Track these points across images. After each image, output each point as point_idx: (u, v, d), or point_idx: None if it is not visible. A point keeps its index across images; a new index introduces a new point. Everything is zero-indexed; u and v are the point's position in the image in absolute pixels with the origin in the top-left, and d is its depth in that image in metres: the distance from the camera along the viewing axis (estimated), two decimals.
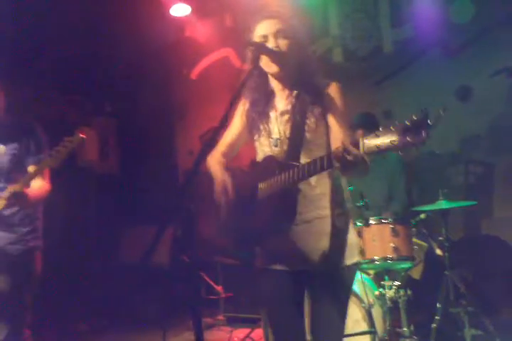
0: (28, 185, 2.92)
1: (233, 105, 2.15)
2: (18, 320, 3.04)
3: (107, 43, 5.72)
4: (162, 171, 6.49)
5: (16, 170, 3.04)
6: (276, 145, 2.37)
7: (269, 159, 2.35)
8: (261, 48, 2.30)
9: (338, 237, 2.33)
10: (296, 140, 2.33)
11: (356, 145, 1.93)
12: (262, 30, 2.36)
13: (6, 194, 2.89)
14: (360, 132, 4.24)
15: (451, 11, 4.93)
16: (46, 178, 3.14)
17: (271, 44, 2.32)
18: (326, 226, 2.32)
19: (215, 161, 2.48)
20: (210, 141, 2.04)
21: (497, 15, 4.75)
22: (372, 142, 1.89)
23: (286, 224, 2.24)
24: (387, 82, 5.29)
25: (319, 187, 2.33)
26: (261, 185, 2.28)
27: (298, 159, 2.29)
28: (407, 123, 1.82)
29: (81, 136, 2.92)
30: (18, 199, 2.89)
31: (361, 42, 5.54)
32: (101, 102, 6.80)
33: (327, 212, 2.34)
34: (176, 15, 6.01)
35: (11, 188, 2.88)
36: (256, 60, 2.30)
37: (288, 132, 2.35)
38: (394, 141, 1.83)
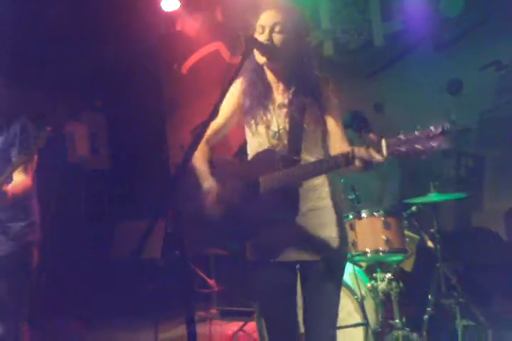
0: (5, 183, 2.92)
1: (223, 96, 2.13)
2: (15, 316, 3.04)
3: (97, 37, 5.69)
4: (153, 166, 6.47)
5: (1, 162, 3.03)
6: (274, 138, 2.36)
7: (269, 152, 2.34)
8: (251, 41, 2.30)
9: (334, 228, 2.36)
10: (296, 134, 2.34)
11: (379, 146, 1.96)
12: (263, 20, 2.36)
13: None
14: (374, 137, 4.25)
15: (442, 5, 4.93)
16: (29, 174, 3.12)
17: (264, 36, 2.32)
18: (321, 217, 2.35)
19: (197, 157, 2.41)
20: (201, 134, 2.02)
21: (487, 8, 4.76)
22: (397, 146, 1.93)
23: (285, 216, 2.25)
24: (378, 75, 5.29)
25: (318, 179, 2.35)
26: (262, 179, 2.27)
27: (299, 154, 2.32)
28: (432, 129, 1.89)
29: (48, 129, 2.93)
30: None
31: (352, 36, 5.53)
32: (90, 97, 6.75)
33: (325, 202, 2.37)
34: (166, 9, 5.98)
35: None
36: (247, 53, 2.29)
37: (287, 126, 2.36)
38: (420, 146, 1.89)
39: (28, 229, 3.13)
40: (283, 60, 2.37)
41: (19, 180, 3.06)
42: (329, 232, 2.34)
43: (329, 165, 2.11)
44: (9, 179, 2.98)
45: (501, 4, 4.67)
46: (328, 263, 2.32)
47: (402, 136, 1.92)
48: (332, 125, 2.37)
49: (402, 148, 1.92)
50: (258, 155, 2.39)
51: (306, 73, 2.40)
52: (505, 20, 4.65)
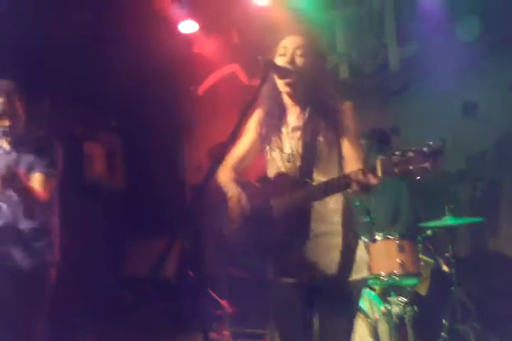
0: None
1: (244, 117, 2.17)
2: (31, 333, 3.05)
3: (115, 59, 5.78)
4: (169, 186, 6.51)
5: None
6: (288, 161, 2.39)
7: (281, 175, 2.38)
8: (270, 64, 2.33)
9: (348, 252, 2.36)
10: (308, 157, 2.36)
11: (374, 169, 1.98)
12: (285, 43, 2.41)
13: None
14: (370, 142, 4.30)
15: (458, 29, 4.97)
16: (46, 190, 3.13)
17: (286, 58, 2.36)
18: (335, 240, 2.35)
19: (225, 175, 2.50)
20: (221, 154, 2.06)
21: (504, 31, 4.78)
22: (390, 167, 1.95)
23: (298, 239, 2.27)
24: (393, 98, 5.32)
25: (332, 203, 2.37)
26: (274, 202, 2.30)
27: (311, 176, 2.34)
28: (425, 149, 1.89)
29: None
30: (10, 178, 2.93)
31: (367, 60, 5.58)
32: (108, 117, 6.84)
33: (337, 227, 2.37)
34: (183, 31, 6.08)
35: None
36: (266, 77, 2.33)
37: (300, 149, 2.38)
38: (412, 167, 1.90)
39: (47, 249, 3.16)
40: (301, 83, 2.39)
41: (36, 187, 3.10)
42: (333, 256, 2.34)
43: (329, 188, 2.14)
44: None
45: None
46: (331, 287, 2.32)
47: (396, 156, 1.93)
48: (347, 148, 2.38)
49: (396, 169, 1.93)
50: (273, 179, 2.43)
51: (322, 96, 2.42)
52: None
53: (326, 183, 2.16)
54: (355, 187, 2.04)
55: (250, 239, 2.35)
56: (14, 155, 3.16)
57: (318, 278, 2.33)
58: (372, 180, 1.99)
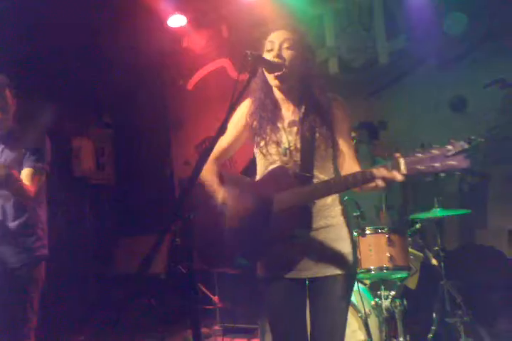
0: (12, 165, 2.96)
1: (231, 113, 2.15)
2: (24, 330, 3.04)
3: (104, 54, 5.75)
4: (158, 181, 6.50)
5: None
6: (285, 155, 2.38)
7: (280, 170, 2.35)
8: (258, 59, 2.32)
9: (345, 245, 2.37)
10: (307, 152, 2.35)
11: (397, 165, 1.98)
12: (272, 37, 2.40)
13: None
14: (398, 154, 4.30)
15: (445, 23, 4.98)
16: (34, 185, 3.11)
17: (273, 52, 2.35)
18: (333, 234, 2.36)
19: (208, 171, 2.45)
20: (209, 149, 2.04)
21: (490, 26, 4.80)
22: (415, 165, 1.93)
23: (297, 233, 2.27)
24: (382, 92, 5.33)
25: (330, 197, 2.36)
26: (279, 197, 2.26)
27: (311, 171, 2.34)
28: (449, 147, 1.88)
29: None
30: (5, 178, 2.89)
31: (356, 54, 5.58)
32: (97, 113, 6.81)
33: (337, 220, 2.38)
34: (172, 26, 6.05)
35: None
36: (255, 70, 2.31)
37: (298, 143, 2.37)
38: (439, 164, 1.88)
39: (37, 243, 3.14)
40: (291, 77, 2.38)
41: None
42: (342, 247, 2.35)
43: (346, 184, 2.12)
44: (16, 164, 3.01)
45: (506, 22, 4.72)
46: (339, 279, 2.32)
47: (419, 154, 1.92)
48: (342, 144, 2.39)
49: (421, 167, 1.92)
50: (270, 173, 2.39)
51: (315, 92, 2.42)
52: (509, 38, 4.69)
53: (345, 178, 2.14)
54: (381, 183, 2.03)
55: (247, 235, 2.33)
56: (2, 149, 3.14)
57: (316, 271, 2.32)
58: (398, 177, 1.98)
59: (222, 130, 2.07)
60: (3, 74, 3.18)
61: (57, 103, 6.06)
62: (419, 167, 1.92)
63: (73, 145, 6.37)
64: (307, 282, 2.39)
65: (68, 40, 5.57)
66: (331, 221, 2.36)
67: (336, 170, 2.40)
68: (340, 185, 2.14)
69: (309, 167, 2.34)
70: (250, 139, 2.51)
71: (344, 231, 2.38)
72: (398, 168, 1.97)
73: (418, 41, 5.10)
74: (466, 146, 1.86)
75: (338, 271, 2.31)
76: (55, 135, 3.03)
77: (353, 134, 4.37)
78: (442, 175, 1.86)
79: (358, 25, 5.60)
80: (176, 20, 6.01)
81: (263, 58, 2.33)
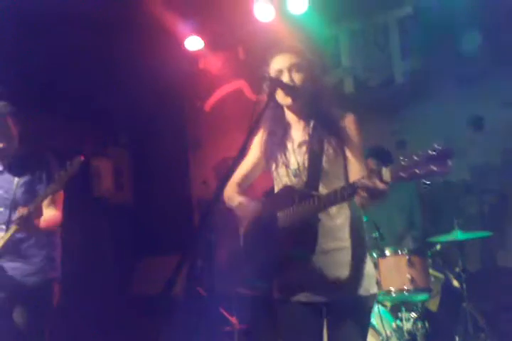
0: (35, 210, 2.96)
1: (251, 135, 2.19)
2: None
3: (123, 76, 5.83)
4: (176, 201, 6.51)
5: (29, 201, 3.06)
6: (295, 176, 2.40)
7: (287, 189, 2.38)
8: (276, 83, 2.37)
9: (358, 268, 2.35)
10: (314, 170, 2.37)
11: (379, 173, 1.98)
12: (278, 64, 2.44)
13: (15, 217, 2.94)
14: (373, 162, 4.28)
15: (462, 42, 4.99)
16: (59, 208, 3.17)
17: (285, 78, 2.39)
18: (345, 257, 2.34)
19: (231, 192, 2.53)
20: (229, 172, 2.06)
21: (508, 45, 4.80)
22: (396, 172, 1.95)
23: (305, 255, 2.26)
24: (399, 112, 5.33)
25: (339, 218, 2.36)
26: (280, 215, 2.30)
27: (317, 189, 2.34)
28: (431, 152, 1.88)
29: (80, 158, 2.96)
30: (25, 223, 2.93)
31: (372, 73, 5.60)
32: (116, 133, 6.88)
33: (346, 243, 2.36)
34: (189, 48, 6.13)
35: (20, 212, 2.94)
36: (272, 94, 2.36)
37: (306, 163, 2.39)
38: (419, 169, 1.89)
39: (48, 265, 3.15)
40: (304, 98, 2.42)
41: (51, 214, 3.12)
42: (342, 274, 2.32)
43: (335, 197, 2.12)
44: (39, 209, 3.01)
45: None
46: (342, 304, 2.30)
47: (403, 162, 1.94)
48: (352, 162, 2.39)
49: (403, 174, 1.93)
50: (279, 193, 2.43)
51: (324, 110, 2.45)
52: None
53: (333, 192, 2.15)
54: (362, 193, 2.04)
55: (256, 254, 2.33)
56: (12, 178, 3.17)
57: (328, 295, 2.31)
58: (379, 185, 1.98)
59: (242, 151, 2.10)
60: (5, 102, 3.21)
61: (75, 123, 6.16)
62: (401, 174, 1.93)
63: (93, 165, 6.43)
64: (323, 306, 2.37)
65: (87, 62, 5.67)
66: (339, 244, 2.34)
67: None
68: (329, 199, 2.15)
69: (315, 185, 2.35)
70: (266, 165, 2.54)
71: (346, 256, 2.34)
72: (381, 177, 1.98)
73: (434, 60, 5.11)
74: (445, 148, 1.87)
75: (352, 295, 2.29)
76: (75, 155, 3.04)
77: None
78: (428, 182, 1.88)
79: (374, 45, 5.63)
80: (193, 43, 6.09)
81: (281, 81, 2.37)
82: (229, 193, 2.53)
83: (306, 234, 2.23)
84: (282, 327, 2.43)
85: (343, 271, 2.32)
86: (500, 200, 4.78)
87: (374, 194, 2.02)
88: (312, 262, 2.29)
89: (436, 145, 1.89)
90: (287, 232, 2.25)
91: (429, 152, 1.89)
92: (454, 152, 1.87)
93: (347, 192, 2.08)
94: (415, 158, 1.91)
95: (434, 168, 1.87)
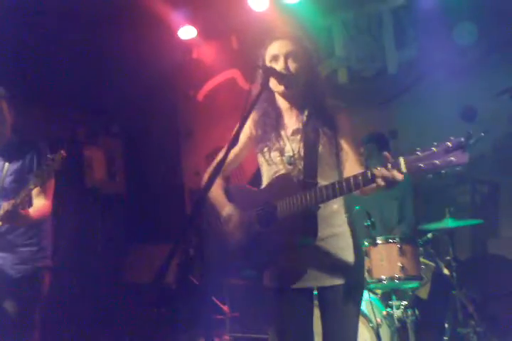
0: (22, 203, 2.93)
1: (243, 124, 2.19)
2: (25, 339, 3.04)
3: (115, 65, 5.80)
4: (168, 191, 6.52)
5: (18, 190, 3.01)
6: (290, 164, 2.40)
7: (284, 177, 2.37)
8: (270, 71, 2.36)
9: (350, 254, 2.37)
10: (311, 159, 2.37)
11: (397, 164, 1.99)
12: (275, 49, 2.43)
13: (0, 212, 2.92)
14: (373, 147, 4.33)
15: (455, 32, 4.99)
16: (49, 197, 3.16)
17: (280, 65, 2.39)
18: (339, 243, 2.37)
19: (217, 189, 2.51)
20: (222, 161, 2.06)
21: (501, 35, 4.80)
22: (414, 162, 1.95)
23: (304, 241, 2.27)
24: (392, 102, 5.33)
25: (335, 204, 2.37)
26: (281, 203, 2.28)
27: (315, 178, 2.34)
28: (447, 143, 1.90)
29: (62, 153, 2.90)
30: (11, 217, 2.90)
31: (366, 64, 5.59)
32: (108, 123, 6.86)
33: (344, 228, 2.39)
34: (183, 37, 6.10)
35: (4, 206, 2.91)
36: (265, 83, 2.35)
37: (302, 151, 2.39)
38: (438, 160, 1.90)
39: (38, 254, 3.13)
40: (298, 87, 2.42)
41: (40, 204, 3.11)
42: (346, 257, 2.35)
43: (348, 186, 2.11)
44: (25, 202, 3.00)
45: None
46: (347, 288, 2.32)
47: (419, 153, 1.95)
48: (346, 150, 2.41)
49: (421, 164, 1.93)
50: (274, 181, 2.41)
51: (318, 99, 2.45)
52: None
53: (344, 181, 2.14)
54: (381, 182, 2.03)
55: (254, 246, 2.34)
56: (1, 167, 3.14)
57: (322, 280, 2.33)
58: (398, 176, 1.99)
59: (234, 141, 2.11)
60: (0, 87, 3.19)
61: (68, 113, 6.14)
62: (419, 164, 1.94)
63: (85, 155, 6.41)
64: (315, 292, 2.40)
65: (80, 52, 5.64)
66: (337, 229, 2.37)
67: (340, 177, 2.40)
68: (343, 187, 2.14)
69: (313, 174, 2.35)
70: (255, 148, 2.53)
71: (348, 240, 2.38)
72: (398, 167, 1.99)
73: (427, 51, 5.10)
74: (462, 140, 1.87)
75: (344, 281, 2.32)
76: (67, 145, 3.02)
77: (362, 149, 4.39)
78: (443, 171, 1.89)
79: (367, 35, 5.62)
80: (187, 32, 6.06)
81: (274, 69, 2.36)
82: (215, 192, 2.48)
83: (308, 222, 2.25)
84: (274, 314, 2.45)
85: (337, 258, 2.35)
86: (492, 189, 4.81)
87: (391, 184, 2.03)
88: (308, 249, 2.30)
89: (451, 138, 1.90)
90: (288, 221, 2.25)
91: (447, 143, 1.90)
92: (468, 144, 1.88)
93: (364, 181, 2.08)
94: (433, 149, 1.92)
95: (453, 159, 1.88)
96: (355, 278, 2.36)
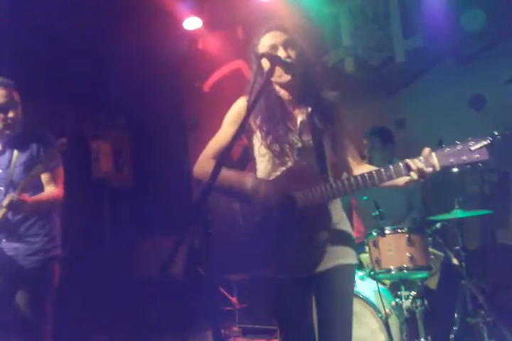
0: (24, 190, 2.95)
1: (249, 115, 2.18)
2: (36, 330, 3.06)
3: (121, 57, 5.78)
4: (175, 182, 6.51)
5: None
6: (298, 155, 2.38)
7: (300, 169, 2.36)
8: (276, 59, 2.33)
9: (344, 239, 2.41)
10: (320, 151, 2.38)
11: (430, 158, 2.08)
12: (270, 40, 2.42)
13: (5, 202, 2.93)
14: (376, 140, 4.31)
15: (463, 20, 4.93)
16: (60, 185, 3.17)
17: (281, 54, 2.36)
18: (346, 228, 2.43)
19: (207, 167, 2.48)
20: (227, 150, 2.07)
21: (509, 23, 4.74)
22: (445, 158, 2.06)
23: (319, 232, 2.31)
24: (399, 91, 5.29)
25: None
26: (301, 195, 2.27)
27: (326, 170, 2.36)
28: (472, 142, 2.04)
29: (63, 140, 2.97)
30: (16, 206, 2.92)
31: (373, 53, 5.55)
32: (114, 115, 6.86)
33: (342, 216, 2.44)
34: (188, 28, 6.08)
35: (9, 196, 2.92)
36: (272, 71, 2.32)
37: (311, 143, 2.38)
38: (466, 156, 2.03)
39: (49, 244, 3.16)
40: (300, 76, 2.41)
41: (51, 190, 3.13)
42: (330, 246, 2.37)
43: (381, 177, 2.15)
44: (28, 188, 3.01)
45: None
46: (346, 268, 2.37)
47: (447, 149, 2.05)
48: (348, 144, 2.46)
49: (452, 159, 2.03)
50: (289, 172, 2.37)
51: (320, 90, 2.44)
52: None
53: (378, 171, 2.16)
54: (414, 175, 2.10)
55: (263, 239, 2.32)
56: (11, 158, 3.16)
57: (317, 267, 2.33)
58: (429, 170, 2.07)
59: (240, 132, 2.10)
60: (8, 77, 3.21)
61: (74, 105, 6.14)
62: (451, 160, 2.04)
63: (92, 147, 6.42)
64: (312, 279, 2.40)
65: (86, 44, 5.63)
66: (340, 216, 2.42)
67: (341, 168, 2.47)
68: (373, 179, 2.16)
69: (324, 166, 2.36)
70: (249, 137, 2.51)
71: (348, 227, 2.45)
72: (432, 161, 2.07)
73: (435, 39, 5.05)
74: (490, 140, 2.01)
75: (336, 264, 2.34)
76: (74, 137, 3.03)
77: (365, 142, 4.36)
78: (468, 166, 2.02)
79: (374, 24, 5.56)
80: (192, 23, 6.04)
81: (280, 58, 2.34)
82: (225, 172, 2.36)
83: (322, 213, 2.27)
84: (278, 305, 2.44)
85: (348, 242, 2.40)
86: (501, 178, 4.76)
87: (423, 177, 2.10)
88: (322, 239, 2.32)
89: (470, 138, 2.04)
90: (305, 212, 2.25)
91: (470, 142, 2.03)
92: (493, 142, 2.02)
93: (399, 172, 2.13)
94: (459, 146, 2.03)
95: (478, 155, 2.01)
96: (336, 263, 2.36)
